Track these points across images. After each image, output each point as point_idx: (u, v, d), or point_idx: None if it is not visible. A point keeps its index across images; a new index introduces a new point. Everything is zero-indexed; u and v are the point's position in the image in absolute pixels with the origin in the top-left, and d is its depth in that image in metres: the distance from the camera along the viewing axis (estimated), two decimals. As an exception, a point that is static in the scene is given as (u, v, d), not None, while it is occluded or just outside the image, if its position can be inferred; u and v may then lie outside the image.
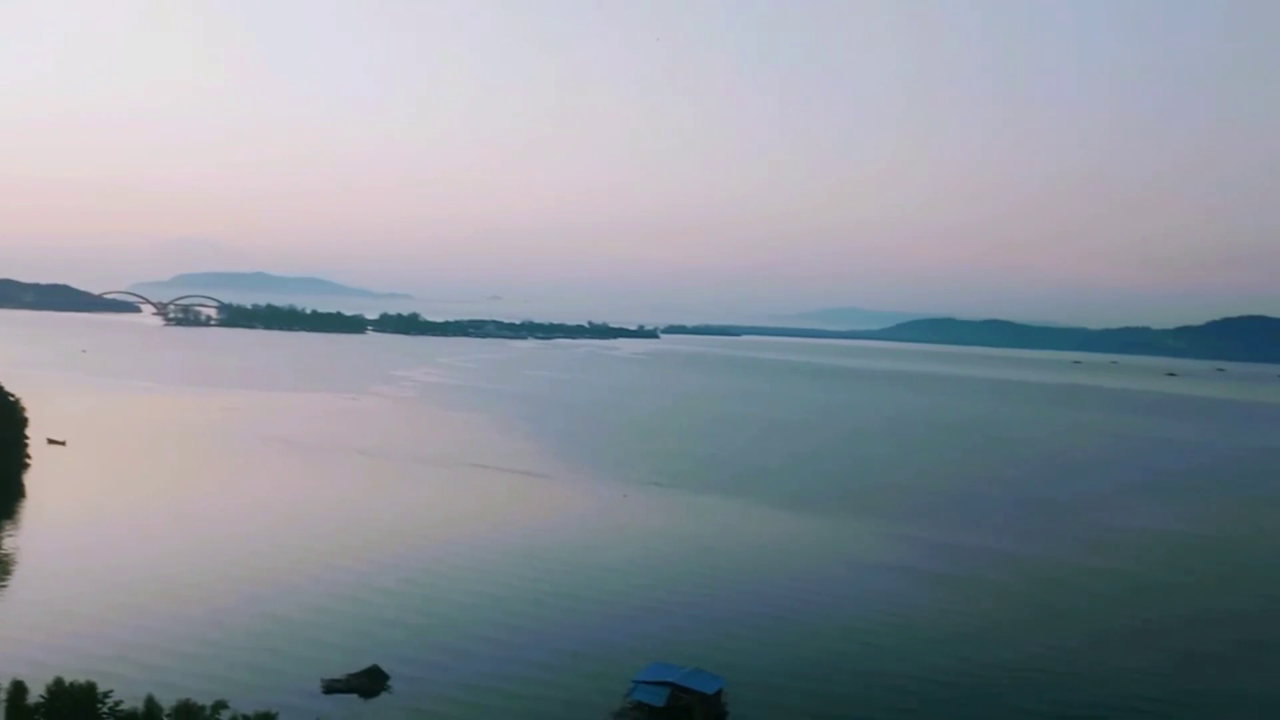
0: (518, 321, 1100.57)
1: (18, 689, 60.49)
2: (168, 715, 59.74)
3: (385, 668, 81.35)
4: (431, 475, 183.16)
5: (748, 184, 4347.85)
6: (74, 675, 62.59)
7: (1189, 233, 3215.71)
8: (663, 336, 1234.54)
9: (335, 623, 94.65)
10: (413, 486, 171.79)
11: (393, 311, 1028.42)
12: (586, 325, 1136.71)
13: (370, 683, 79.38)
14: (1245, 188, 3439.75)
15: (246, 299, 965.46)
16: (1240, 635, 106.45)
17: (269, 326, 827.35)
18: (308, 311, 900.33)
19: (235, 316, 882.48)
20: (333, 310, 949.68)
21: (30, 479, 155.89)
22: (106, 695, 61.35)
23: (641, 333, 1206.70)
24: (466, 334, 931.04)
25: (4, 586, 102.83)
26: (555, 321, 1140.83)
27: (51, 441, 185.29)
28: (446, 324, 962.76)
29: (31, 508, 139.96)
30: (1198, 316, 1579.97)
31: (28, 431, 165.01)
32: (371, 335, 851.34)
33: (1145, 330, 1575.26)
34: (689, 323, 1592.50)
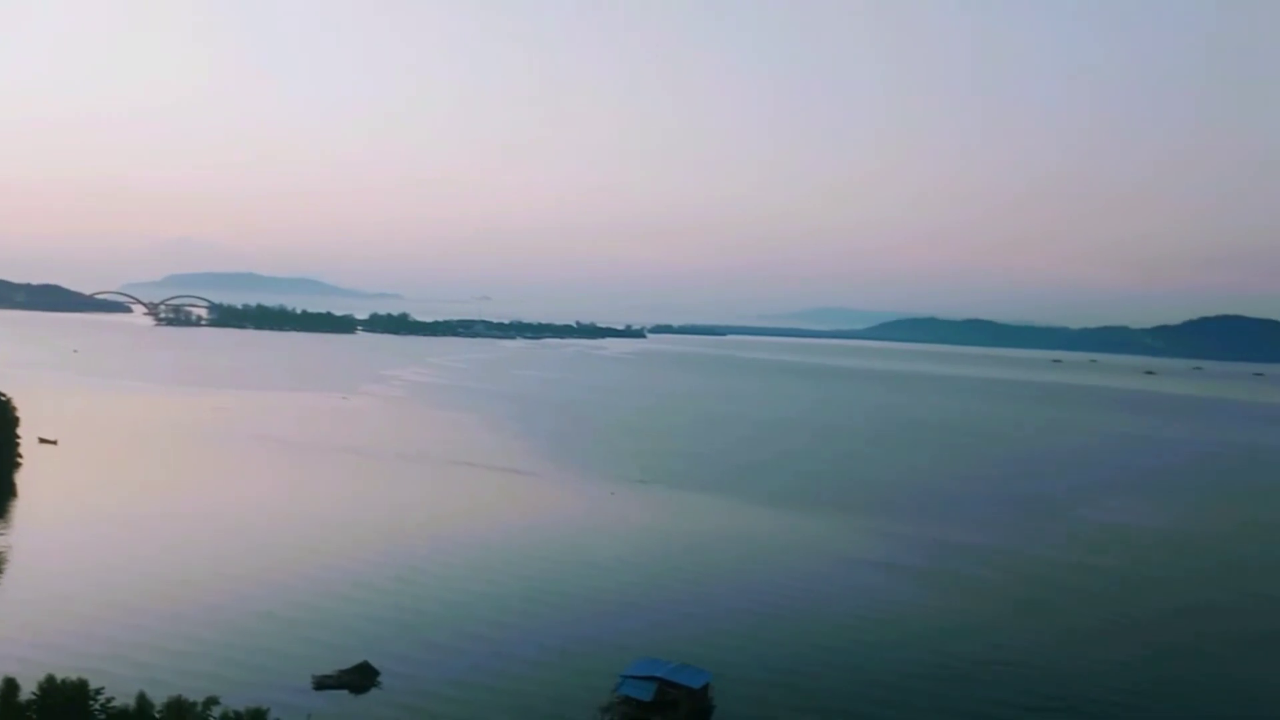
0: (506, 321, 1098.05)
1: (9, 686, 60.14)
2: (159, 712, 59.51)
3: (375, 664, 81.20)
4: (421, 474, 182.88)
5: (734, 185, 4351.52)
6: (66, 673, 62.26)
7: (1167, 234, 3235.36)
8: (650, 336, 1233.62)
9: (325, 620, 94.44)
10: (402, 485, 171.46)
11: (383, 311, 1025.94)
12: (574, 325, 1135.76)
13: (361, 679, 79.24)
14: (1223, 190, 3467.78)
15: (237, 299, 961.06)
16: (1217, 628, 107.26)
17: (260, 327, 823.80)
18: (298, 311, 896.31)
19: (226, 317, 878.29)
20: (323, 310, 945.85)
21: (22, 478, 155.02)
22: (98, 692, 61.07)
23: (629, 332, 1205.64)
24: (456, 334, 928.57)
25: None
26: (544, 321, 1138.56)
27: (43, 441, 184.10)
28: (436, 324, 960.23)
29: (23, 506, 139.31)
30: (1175, 316, 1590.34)
31: (19, 431, 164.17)
32: (361, 335, 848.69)
33: (1124, 330, 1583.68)
34: (676, 322, 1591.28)
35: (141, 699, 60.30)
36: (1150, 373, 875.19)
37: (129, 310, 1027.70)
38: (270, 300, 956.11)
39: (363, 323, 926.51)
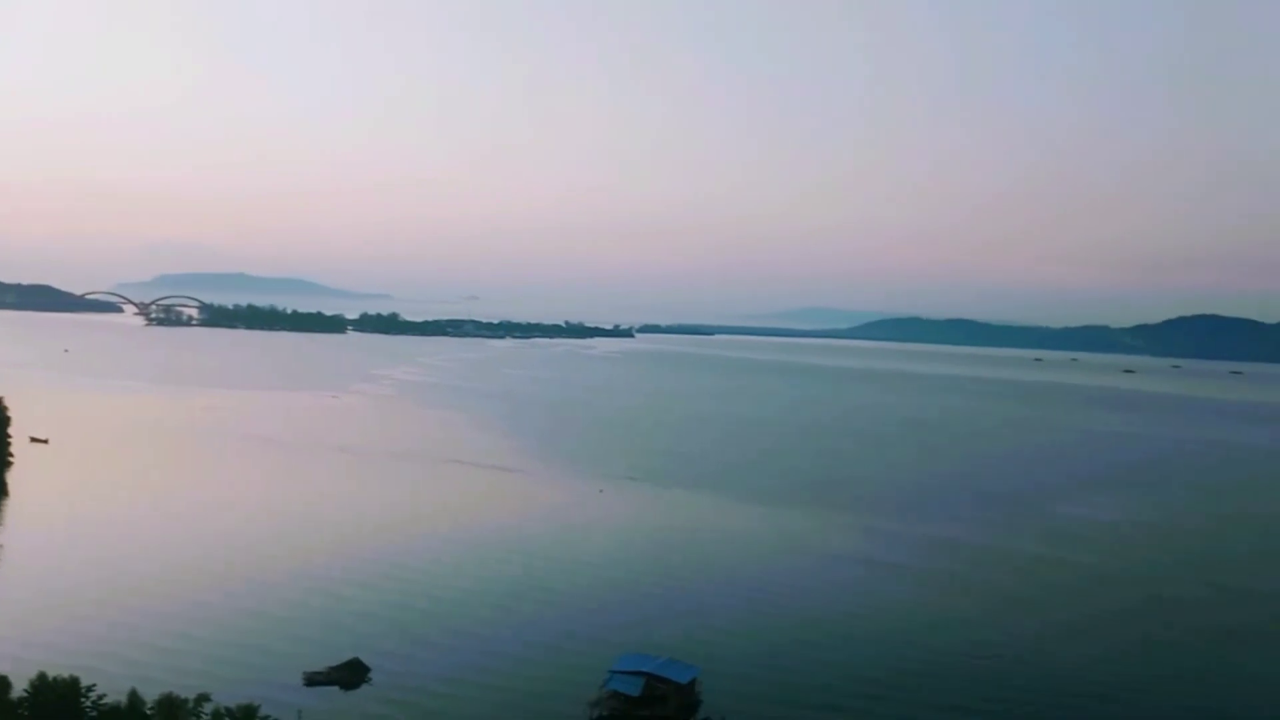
0: (496, 321, 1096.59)
1: (2, 684, 59.84)
2: (150, 709, 59.31)
3: (366, 660, 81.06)
4: (411, 471, 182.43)
5: (721, 187, 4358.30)
6: (58, 670, 62.02)
7: (1147, 235, 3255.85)
8: (638, 336, 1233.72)
9: (316, 617, 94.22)
10: (392, 482, 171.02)
11: (373, 311, 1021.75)
12: (563, 325, 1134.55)
13: (351, 675, 79.07)
14: (1201, 192, 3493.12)
15: (228, 299, 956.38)
16: (1196, 622, 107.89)
17: (250, 326, 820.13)
18: (288, 312, 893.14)
19: (217, 317, 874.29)
20: (313, 310, 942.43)
21: (13, 477, 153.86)
22: (90, 689, 60.84)
23: (617, 332, 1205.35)
24: (445, 333, 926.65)
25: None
26: (532, 321, 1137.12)
27: (34, 440, 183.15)
28: (426, 324, 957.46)
29: (14, 505, 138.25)
30: (1154, 315, 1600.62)
31: (10, 430, 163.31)
32: (352, 335, 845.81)
33: (1104, 329, 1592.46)
34: (663, 322, 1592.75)
35: (133, 696, 60.11)
36: (1130, 371, 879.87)
37: (120, 310, 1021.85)
38: (261, 300, 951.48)
39: (353, 323, 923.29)
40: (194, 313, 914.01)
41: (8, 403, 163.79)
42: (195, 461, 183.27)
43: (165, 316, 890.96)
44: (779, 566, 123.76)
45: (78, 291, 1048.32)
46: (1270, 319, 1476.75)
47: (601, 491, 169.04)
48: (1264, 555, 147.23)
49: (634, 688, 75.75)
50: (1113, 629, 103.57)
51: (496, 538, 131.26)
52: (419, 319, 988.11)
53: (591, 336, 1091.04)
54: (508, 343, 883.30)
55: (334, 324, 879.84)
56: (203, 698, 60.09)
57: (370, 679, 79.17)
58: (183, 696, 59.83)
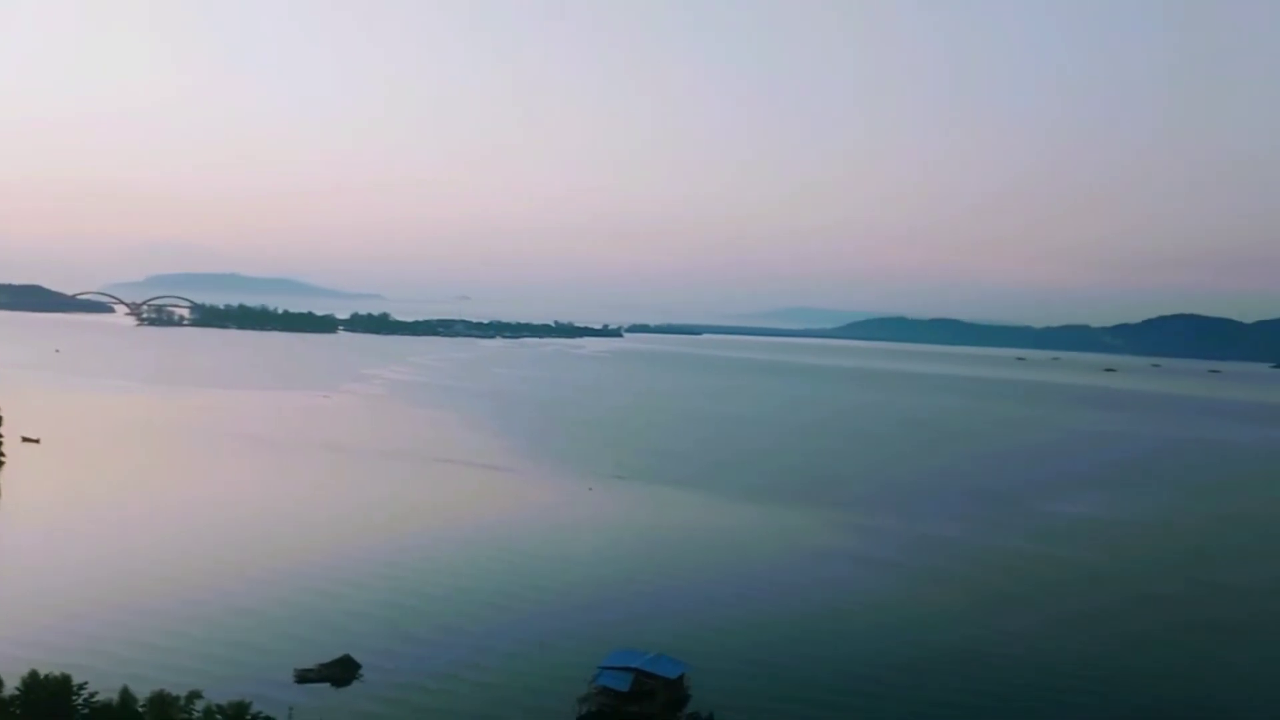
0: (486, 321, 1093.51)
1: (-8, 682, 59.50)
2: (142, 706, 59.05)
3: (357, 657, 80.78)
4: (401, 470, 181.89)
5: (710, 188, 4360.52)
6: (49, 668, 61.66)
7: (1128, 237, 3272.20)
8: (626, 335, 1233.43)
9: (307, 614, 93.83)
10: (383, 481, 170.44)
11: (364, 311, 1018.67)
12: (553, 324, 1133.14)
13: (342, 672, 78.80)
14: (1181, 194, 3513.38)
15: (219, 299, 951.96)
16: (1177, 617, 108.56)
17: (242, 326, 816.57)
18: (280, 312, 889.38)
19: (208, 317, 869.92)
20: (304, 310, 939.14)
21: (4, 476, 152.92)
22: (81, 687, 60.56)
23: (606, 332, 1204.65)
24: (436, 333, 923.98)
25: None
26: (522, 321, 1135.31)
27: (26, 439, 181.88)
28: (416, 324, 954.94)
29: (6, 504, 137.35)
30: (1135, 315, 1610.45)
31: (2, 429, 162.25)
32: (343, 335, 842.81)
33: (1085, 328, 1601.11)
34: (652, 322, 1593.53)
35: (125, 694, 59.84)
36: (1110, 370, 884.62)
37: (111, 310, 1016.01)
38: (252, 300, 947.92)
39: (344, 323, 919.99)
40: (185, 313, 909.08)
41: (0, 402, 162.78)
42: (186, 461, 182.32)
43: (157, 316, 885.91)
44: (767, 564, 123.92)
45: (69, 292, 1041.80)
46: (1248, 318, 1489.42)
47: (591, 490, 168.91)
48: (1246, 551, 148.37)
49: (623, 683, 75.74)
50: (1100, 624, 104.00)
51: (487, 536, 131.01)
52: (410, 319, 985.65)
53: (581, 336, 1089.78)
54: (498, 342, 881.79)
55: (325, 324, 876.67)
56: (194, 695, 59.88)
57: (361, 676, 78.89)
58: (174, 694, 59.62)
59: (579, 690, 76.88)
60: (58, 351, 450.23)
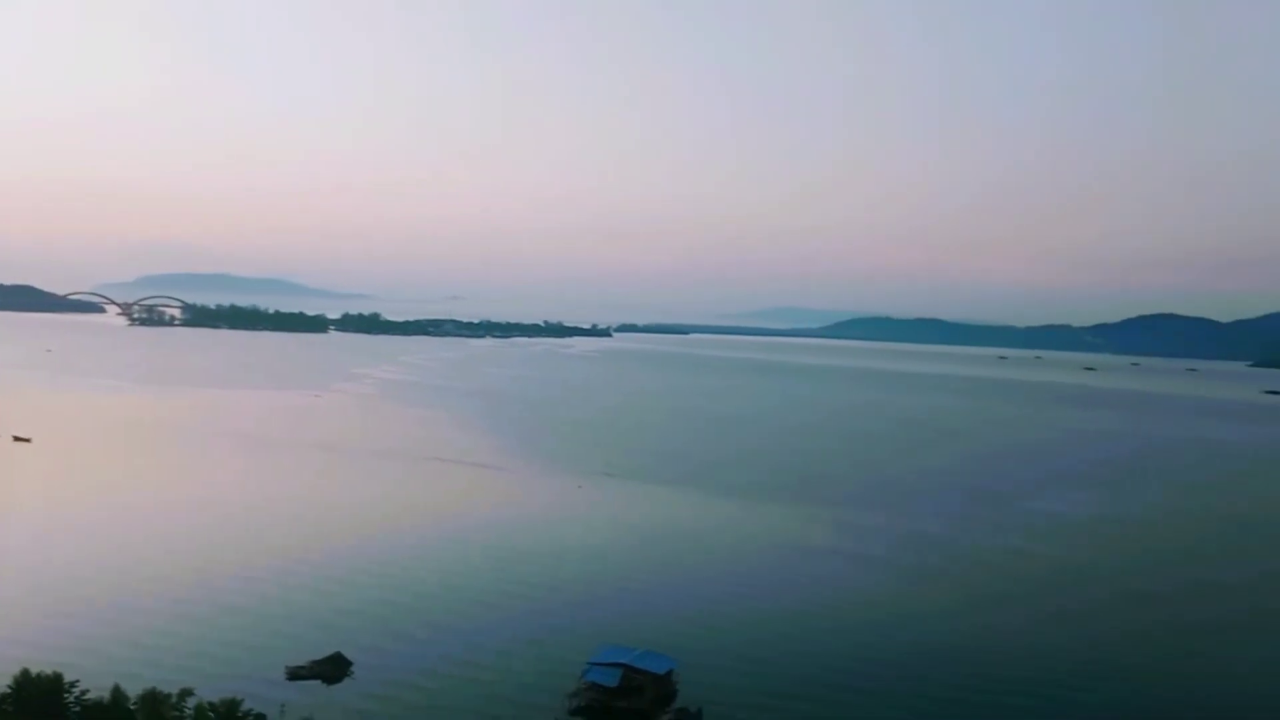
0: (476, 321, 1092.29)
1: (-16, 681, 59.02)
2: (134, 704, 58.65)
3: (348, 655, 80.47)
4: (392, 468, 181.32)
5: (697, 190, 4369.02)
6: (40, 666, 61.19)
7: (1108, 239, 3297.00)
8: (615, 335, 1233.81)
9: (298, 612, 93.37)
10: (373, 479, 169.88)
11: (354, 311, 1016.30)
12: (542, 324, 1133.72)
13: (333, 669, 78.47)
14: (1161, 198, 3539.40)
15: (210, 299, 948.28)
16: (1163, 613, 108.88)
17: (233, 326, 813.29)
18: (271, 311, 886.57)
19: (199, 317, 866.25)
20: (295, 310, 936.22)
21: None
22: (73, 685, 60.10)
23: (595, 331, 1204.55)
24: (426, 333, 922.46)
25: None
26: (512, 321, 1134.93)
27: (17, 439, 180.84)
28: (407, 323, 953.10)
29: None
30: (1114, 315, 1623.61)
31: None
32: (334, 335, 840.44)
33: (1066, 328, 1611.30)
34: (641, 321, 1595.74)
35: (116, 692, 59.41)
36: (1091, 369, 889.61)
37: (103, 310, 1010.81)
38: (243, 300, 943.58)
39: (335, 322, 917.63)
40: (176, 313, 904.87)
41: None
42: (178, 459, 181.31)
43: (148, 317, 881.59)
44: (754, 560, 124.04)
45: (60, 292, 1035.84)
46: (1225, 318, 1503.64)
47: (580, 488, 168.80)
48: (1230, 546, 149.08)
49: (612, 679, 75.69)
50: (1088, 620, 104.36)
51: (477, 533, 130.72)
52: (400, 319, 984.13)
53: (570, 336, 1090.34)
54: (488, 342, 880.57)
55: (316, 324, 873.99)
56: (186, 692, 59.47)
57: (352, 673, 78.59)
58: (166, 691, 59.19)
59: (568, 686, 76.81)
60: (49, 351, 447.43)
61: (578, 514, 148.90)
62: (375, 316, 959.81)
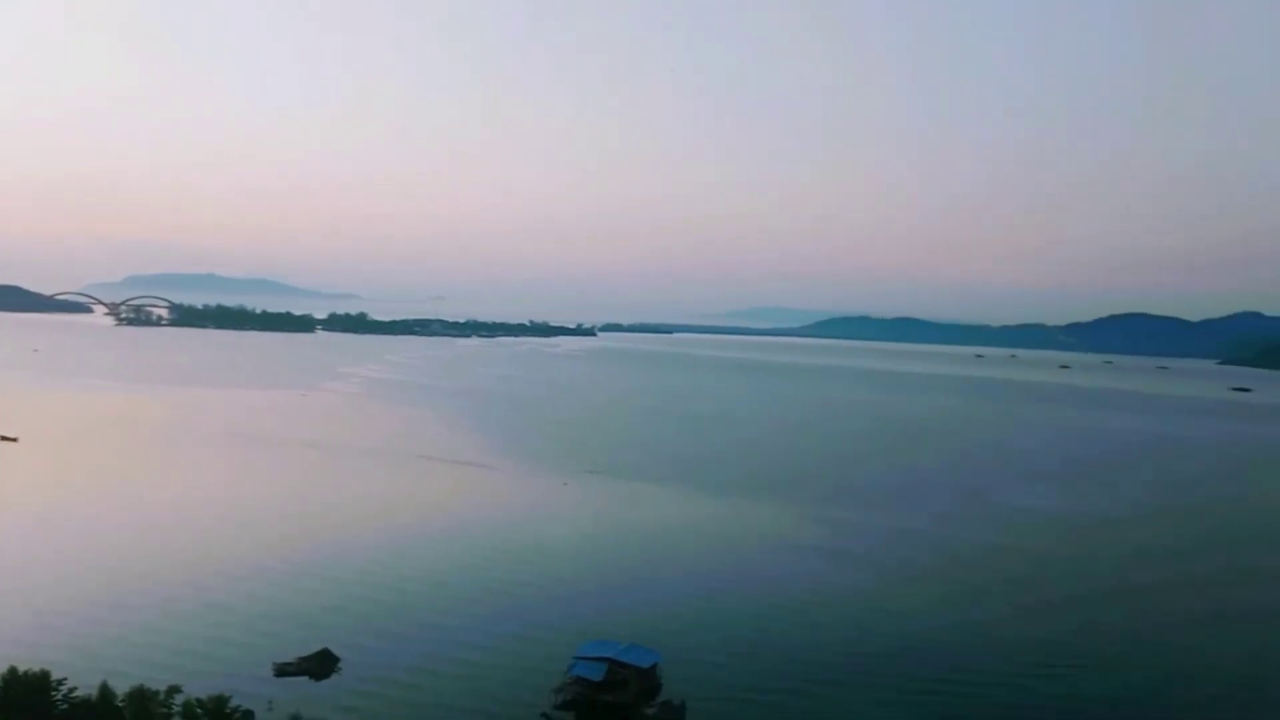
0: (462, 320, 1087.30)
1: (-29, 679, 58.29)
2: (122, 701, 58.11)
3: (335, 651, 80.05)
4: (379, 467, 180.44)
5: (682, 190, 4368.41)
6: (28, 665, 60.51)
7: (1081, 241, 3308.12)
8: (600, 334, 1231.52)
9: (286, 610, 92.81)
10: (361, 478, 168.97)
11: (341, 311, 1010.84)
12: (528, 324, 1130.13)
13: (321, 666, 78.03)
14: (1130, 202, 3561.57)
15: (197, 299, 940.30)
16: (1139, 604, 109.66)
17: (220, 326, 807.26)
18: (258, 311, 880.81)
19: (187, 317, 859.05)
20: (282, 310, 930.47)
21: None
22: (61, 683, 59.52)
23: (580, 331, 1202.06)
24: (413, 333, 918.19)
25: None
26: (498, 320, 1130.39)
27: (4, 438, 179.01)
28: (393, 323, 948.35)
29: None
30: (1087, 314, 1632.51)
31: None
32: (321, 334, 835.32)
33: (1040, 327, 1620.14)
34: (625, 321, 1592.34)
35: (104, 689, 58.87)
36: (1065, 367, 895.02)
37: (90, 311, 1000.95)
38: (230, 300, 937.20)
39: (322, 322, 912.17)
40: (164, 313, 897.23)
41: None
42: (165, 458, 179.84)
43: (135, 317, 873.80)
44: (738, 556, 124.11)
45: (47, 292, 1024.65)
46: (1194, 317, 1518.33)
47: (566, 485, 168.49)
48: (1201, 540, 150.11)
49: (597, 673, 75.60)
50: (1065, 612, 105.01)
51: (463, 531, 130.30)
52: (387, 318, 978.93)
53: (555, 335, 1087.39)
54: (474, 341, 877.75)
55: (303, 323, 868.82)
56: (174, 689, 58.99)
57: (339, 669, 78.17)
58: (154, 689, 58.71)
59: (554, 680, 76.64)
60: (36, 351, 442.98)
61: (563, 511, 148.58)
62: (362, 316, 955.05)
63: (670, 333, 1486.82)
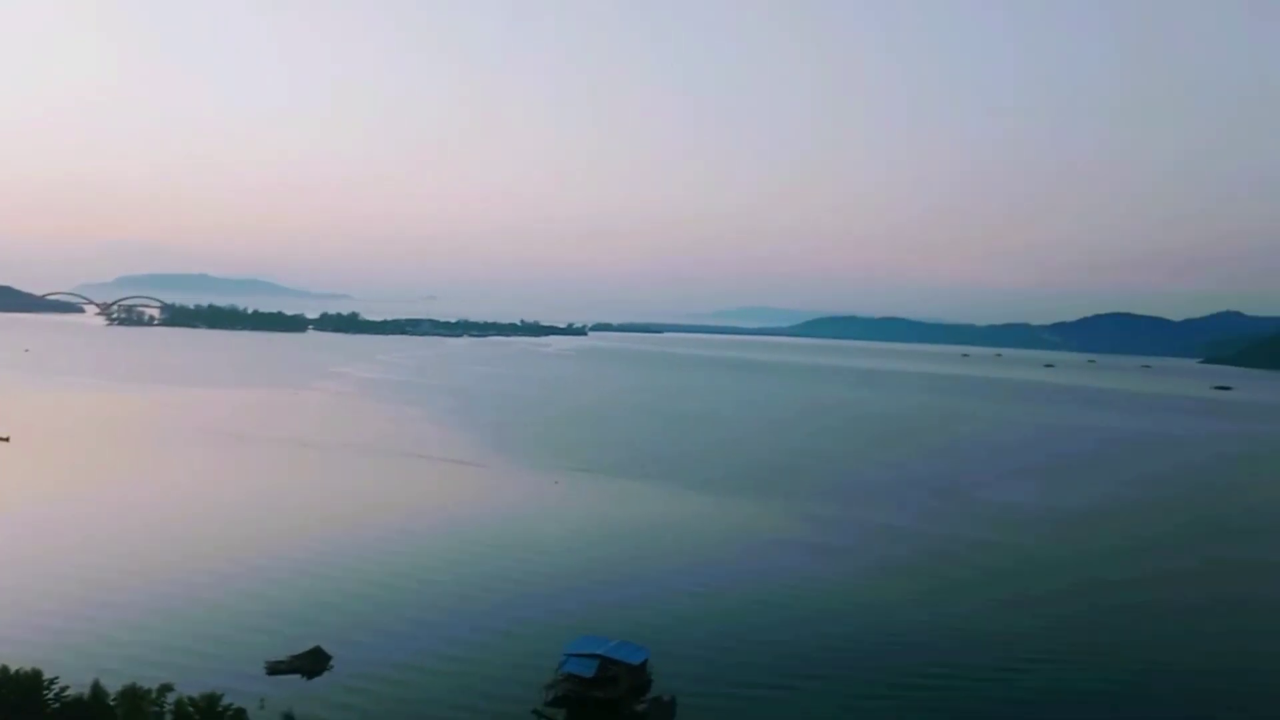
0: (453, 320, 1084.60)
1: (-38, 679, 57.85)
2: (113, 700, 57.78)
3: (327, 649, 79.76)
4: (370, 465, 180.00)
5: (669, 191, 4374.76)
6: (19, 664, 60.10)
7: (1064, 241, 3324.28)
8: (591, 334, 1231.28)
9: (278, 607, 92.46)
10: (352, 475, 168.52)
11: (333, 311, 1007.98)
12: (519, 323, 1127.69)
13: (313, 663, 77.76)
14: (1113, 202, 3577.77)
15: (189, 299, 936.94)
16: (1121, 598, 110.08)
17: (212, 326, 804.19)
18: (249, 311, 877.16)
19: (178, 317, 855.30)
20: (274, 310, 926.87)
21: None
22: (52, 682, 59.11)
23: (571, 330, 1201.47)
24: (404, 332, 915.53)
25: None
26: (489, 320, 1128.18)
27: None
28: (384, 323, 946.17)
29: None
30: (1071, 314, 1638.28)
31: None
32: (312, 334, 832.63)
33: (1025, 326, 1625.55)
34: (615, 321, 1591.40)
35: (96, 688, 58.52)
36: (1049, 365, 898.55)
37: (81, 311, 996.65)
38: (222, 300, 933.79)
39: (313, 322, 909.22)
40: (155, 313, 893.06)
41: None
42: (156, 457, 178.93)
43: (127, 317, 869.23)
44: (727, 553, 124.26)
45: (39, 292, 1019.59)
46: (1177, 316, 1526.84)
47: (556, 483, 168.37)
48: (1180, 535, 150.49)
49: (588, 669, 75.55)
50: (1048, 606, 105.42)
51: (454, 528, 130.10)
52: (378, 318, 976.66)
53: (546, 335, 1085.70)
54: (465, 341, 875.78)
55: (294, 323, 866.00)
56: (165, 688, 58.70)
57: (332, 666, 77.91)
58: (146, 687, 58.40)
59: (544, 677, 76.54)
60: (27, 351, 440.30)
61: (554, 508, 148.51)
62: (353, 316, 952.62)
63: (660, 332, 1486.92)
